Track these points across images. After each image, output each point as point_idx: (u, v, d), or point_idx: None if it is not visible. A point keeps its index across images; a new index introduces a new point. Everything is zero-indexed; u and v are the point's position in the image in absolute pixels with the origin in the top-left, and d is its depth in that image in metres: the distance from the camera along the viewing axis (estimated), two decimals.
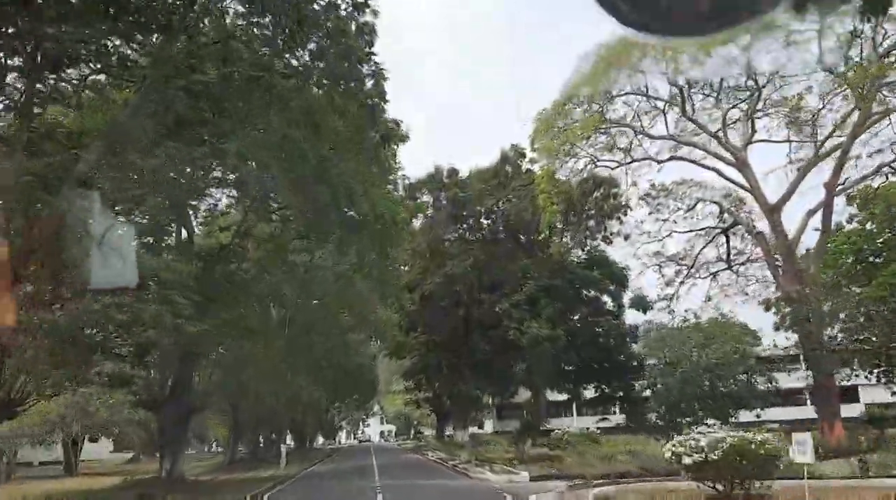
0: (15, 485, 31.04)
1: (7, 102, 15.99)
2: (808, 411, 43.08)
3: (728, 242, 37.04)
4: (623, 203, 36.57)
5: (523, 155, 36.09)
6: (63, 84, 17.17)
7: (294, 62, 16.92)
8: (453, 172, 35.24)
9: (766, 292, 38.34)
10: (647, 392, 31.23)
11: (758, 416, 28.59)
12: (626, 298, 35.84)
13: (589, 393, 41.26)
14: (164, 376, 25.53)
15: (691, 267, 38.90)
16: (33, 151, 12.45)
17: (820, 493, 12.89)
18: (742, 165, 31.16)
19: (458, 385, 39.57)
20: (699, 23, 1.76)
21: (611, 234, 37.03)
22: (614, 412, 47.91)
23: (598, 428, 28.86)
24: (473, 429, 64.76)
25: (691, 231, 36.88)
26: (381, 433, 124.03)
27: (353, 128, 18.95)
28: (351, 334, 38.17)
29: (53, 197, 11.99)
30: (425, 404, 63.18)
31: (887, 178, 29.34)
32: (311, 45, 17.10)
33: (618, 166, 32.67)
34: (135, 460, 51.09)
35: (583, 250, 36.70)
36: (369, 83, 17.52)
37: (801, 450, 11.89)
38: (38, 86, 14.60)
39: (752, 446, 12.26)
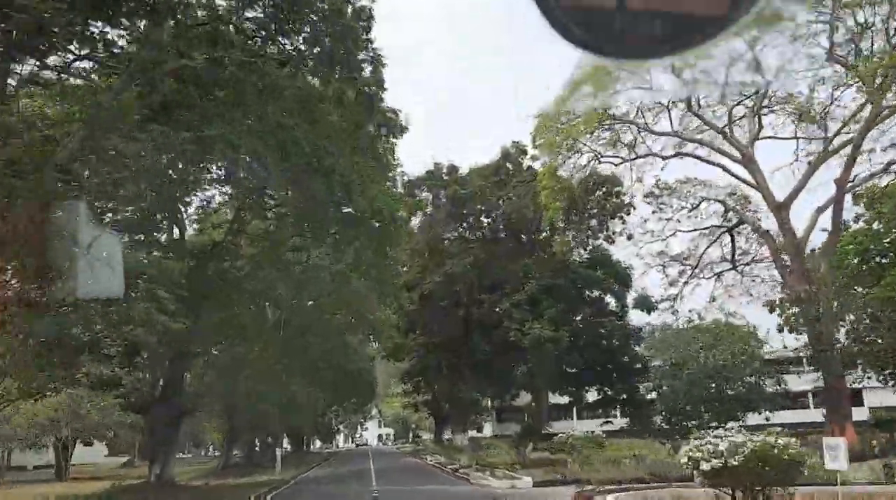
0: (2, 490, 30.22)
1: None
2: (812, 415, 42.35)
3: (733, 241, 36.27)
4: (626, 202, 35.83)
5: (524, 152, 35.32)
6: (46, 71, 16.42)
7: (288, 47, 16.17)
8: (453, 169, 34.44)
9: (772, 292, 37.71)
10: (652, 395, 30.43)
11: (767, 419, 27.78)
12: (630, 298, 35.10)
13: (591, 396, 40.48)
14: (153, 377, 24.74)
15: (695, 267, 38.16)
16: (6, 138, 11.64)
17: None
18: (749, 162, 30.41)
19: (457, 388, 38.77)
20: (653, 45, 1.72)
21: (613, 233, 36.29)
22: (615, 416, 47.12)
23: (603, 432, 27.98)
24: (472, 433, 63.93)
25: (696, 230, 36.13)
26: (379, 436, 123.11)
27: (350, 118, 18.20)
28: (348, 334, 37.38)
29: (27, 184, 11.16)
30: (423, 408, 62.33)
31: None
32: (306, 30, 16.37)
33: (622, 163, 31.92)
34: (130, 464, 50.20)
35: (585, 250, 35.93)
36: (367, 70, 16.77)
37: (834, 456, 11.11)
38: (14, 69, 13.80)
39: (775, 451, 11.46)
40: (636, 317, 36.90)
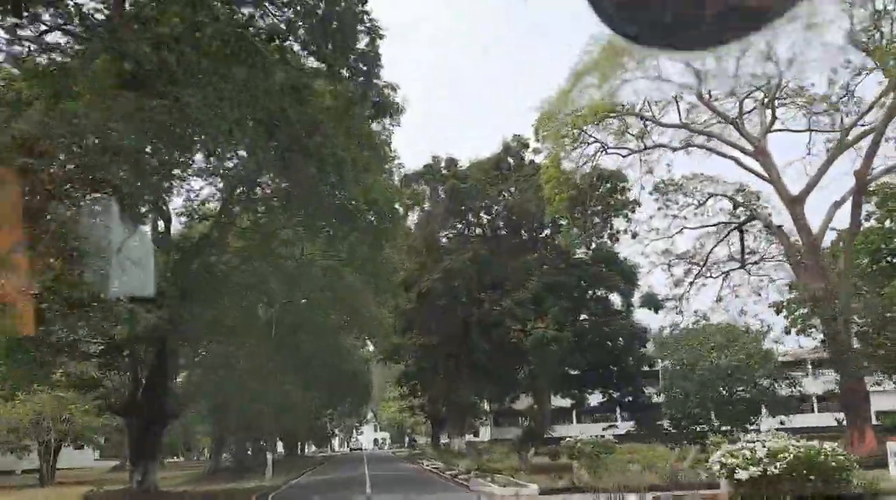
0: None
1: None
2: (824, 419, 41.12)
3: (742, 238, 35.04)
4: (631, 199, 34.57)
5: (526, 146, 34.05)
6: (17, 47, 15.09)
7: (277, 17, 14.88)
8: (452, 162, 33.10)
9: (779, 293, 36.57)
10: (660, 397, 29.13)
11: (782, 423, 26.55)
12: (636, 297, 33.77)
13: (593, 399, 39.15)
14: (135, 378, 23.30)
15: (702, 266, 36.93)
16: None
17: None
18: (762, 154, 29.18)
19: (455, 390, 37.42)
20: (699, 35, 1.69)
21: (617, 232, 35.01)
22: (617, 419, 45.83)
23: (613, 436, 26.75)
24: (469, 437, 62.65)
25: (703, 227, 34.89)
26: (375, 440, 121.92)
27: (344, 96, 16.92)
28: (343, 334, 36.04)
29: None
30: (420, 411, 60.96)
31: None
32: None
33: (629, 154, 30.64)
34: (120, 468, 48.76)
35: (588, 248, 34.63)
36: (363, 42, 15.49)
37: None
38: None
39: (822, 457, 10.18)
40: (641, 317, 35.70)
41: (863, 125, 28.87)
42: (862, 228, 29.37)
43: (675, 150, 30.73)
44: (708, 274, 37.65)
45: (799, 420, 35.82)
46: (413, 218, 35.12)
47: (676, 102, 31.43)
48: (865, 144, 28.24)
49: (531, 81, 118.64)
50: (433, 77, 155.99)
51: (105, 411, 26.15)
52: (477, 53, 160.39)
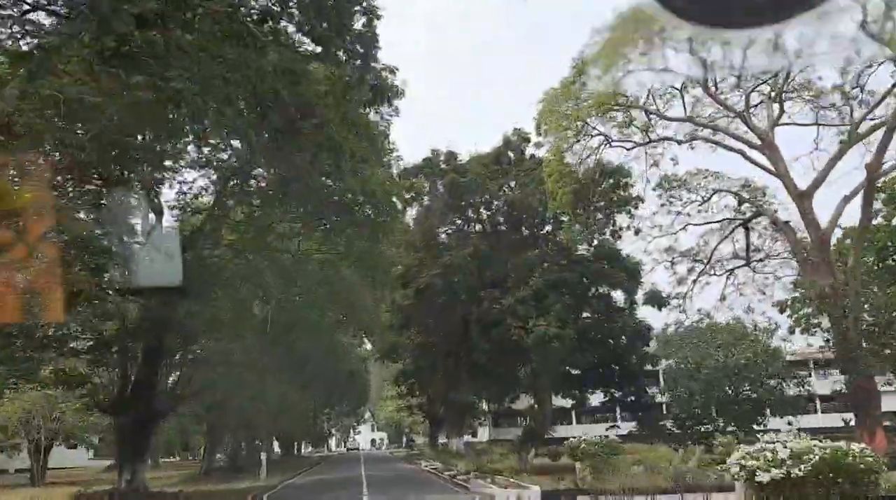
0: None
1: None
2: (829, 419, 40.43)
3: (748, 235, 34.33)
4: (634, 195, 33.89)
5: (527, 140, 33.30)
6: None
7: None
8: (451, 156, 32.36)
9: (784, 292, 35.96)
10: (664, 397, 28.43)
11: (789, 423, 25.88)
12: (639, 295, 33.00)
13: (595, 398, 38.42)
14: (124, 375, 22.55)
15: (706, 264, 36.24)
16: None
17: None
18: (768, 148, 28.48)
19: (454, 389, 36.70)
20: (757, 14, 1.65)
21: (620, 228, 34.31)
22: (618, 419, 45.16)
23: (618, 436, 25.95)
24: (467, 437, 61.97)
25: (708, 223, 34.19)
26: (373, 440, 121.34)
27: (341, 82, 16.20)
28: (339, 331, 35.34)
29: None
30: (418, 411, 60.26)
31: None
32: None
33: (634, 147, 29.92)
34: (114, 467, 47.99)
35: (590, 245, 33.91)
36: (359, 23, 14.78)
37: None
38: None
39: (849, 458, 9.48)
40: (643, 316, 34.93)
41: (872, 119, 28.24)
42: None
43: (680, 143, 30.02)
44: (712, 272, 36.93)
45: (803, 421, 35.19)
46: (412, 213, 34.42)
47: (682, 95, 30.78)
48: (875, 138, 27.63)
49: (530, 78, 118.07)
50: (431, 74, 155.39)
51: (92, 409, 25.36)
52: (476, 49, 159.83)
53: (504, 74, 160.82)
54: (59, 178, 17.40)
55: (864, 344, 25.96)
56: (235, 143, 23.68)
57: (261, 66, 13.23)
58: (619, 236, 34.09)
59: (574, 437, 21.98)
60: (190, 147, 24.01)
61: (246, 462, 40.29)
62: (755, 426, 27.15)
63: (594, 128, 28.55)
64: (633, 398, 32.68)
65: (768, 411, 27.46)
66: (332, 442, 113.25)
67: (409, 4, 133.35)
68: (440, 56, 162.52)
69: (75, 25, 12.03)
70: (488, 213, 34.19)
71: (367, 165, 21.47)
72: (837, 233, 30.13)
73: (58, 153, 15.94)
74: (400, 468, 39.46)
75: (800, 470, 9.44)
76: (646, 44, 28.49)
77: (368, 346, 53.92)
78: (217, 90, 12.34)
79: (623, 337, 30.72)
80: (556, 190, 27.60)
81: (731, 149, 29.41)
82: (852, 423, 35.20)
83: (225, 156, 24.10)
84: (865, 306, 25.45)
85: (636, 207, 33.80)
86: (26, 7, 14.22)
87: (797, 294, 35.65)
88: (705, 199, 34.73)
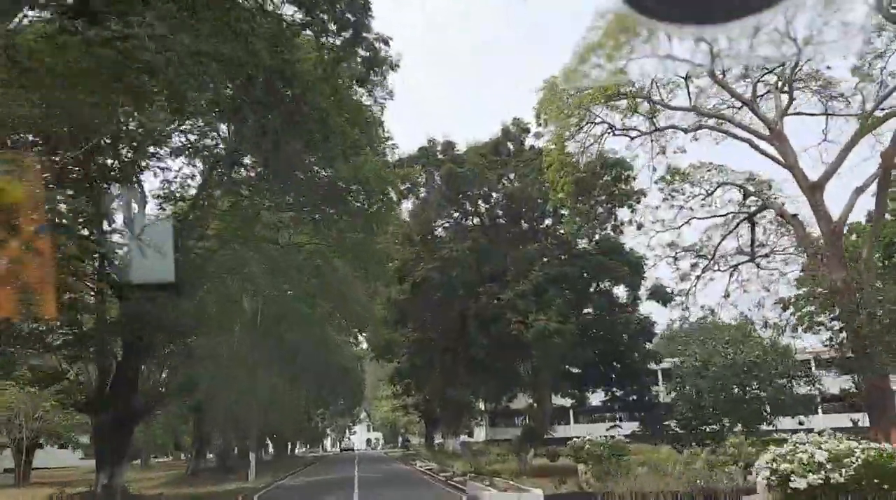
0: None
1: None
2: (835, 419, 39.42)
3: (753, 229, 33.32)
4: (636, 189, 32.82)
5: (527, 130, 32.20)
6: None
7: None
8: (448, 145, 31.22)
9: (792, 287, 35.00)
10: (667, 396, 27.34)
11: (800, 423, 24.84)
12: (642, 290, 31.94)
13: (594, 398, 37.33)
14: (103, 371, 21.37)
15: (710, 259, 35.23)
16: None
17: None
18: (777, 138, 27.42)
19: (451, 387, 35.60)
20: (722, 6, 1.66)
21: (621, 223, 33.24)
22: (619, 419, 44.14)
23: (625, 437, 25.01)
24: (463, 437, 60.94)
25: (712, 217, 33.15)
26: (368, 440, 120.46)
27: (331, 55, 15.13)
28: (332, 327, 34.28)
29: None
30: (414, 410, 59.21)
31: None
32: None
33: (638, 135, 28.84)
34: None
35: (590, 241, 32.83)
36: None
37: None
38: None
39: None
40: (647, 312, 33.90)
41: (882, 110, 27.28)
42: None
43: (686, 132, 28.94)
44: (716, 268, 36.01)
45: (813, 421, 34.17)
46: (408, 205, 33.32)
47: (687, 85, 29.74)
48: (887, 128, 26.63)
49: (530, 78, 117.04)
50: (431, 73, 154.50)
51: (68, 407, 24.22)
52: (476, 49, 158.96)
53: (504, 75, 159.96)
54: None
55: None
56: (221, 127, 22.70)
57: (241, 33, 12.14)
58: (621, 231, 33.07)
59: (577, 437, 20.89)
60: (175, 135, 23.06)
61: (237, 463, 39.16)
62: (763, 427, 26.11)
63: (597, 116, 27.46)
64: (634, 397, 31.61)
65: (770, 410, 26.35)
66: (328, 442, 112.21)
67: (409, 4, 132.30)
68: (440, 56, 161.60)
69: None
70: (486, 206, 33.08)
71: (360, 149, 20.40)
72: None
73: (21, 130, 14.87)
74: (394, 468, 38.45)
75: (840, 475, 8.36)
76: (649, 30, 27.47)
77: (364, 344, 52.90)
78: (191, 55, 11.23)
79: (625, 334, 29.64)
80: (557, 180, 26.50)
81: (738, 138, 28.36)
82: (860, 423, 34.27)
83: (210, 141, 23.07)
84: (879, 300, 24.38)
85: (638, 202, 32.79)
86: None
87: (800, 292, 34.69)
88: (709, 192, 33.71)
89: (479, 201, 32.59)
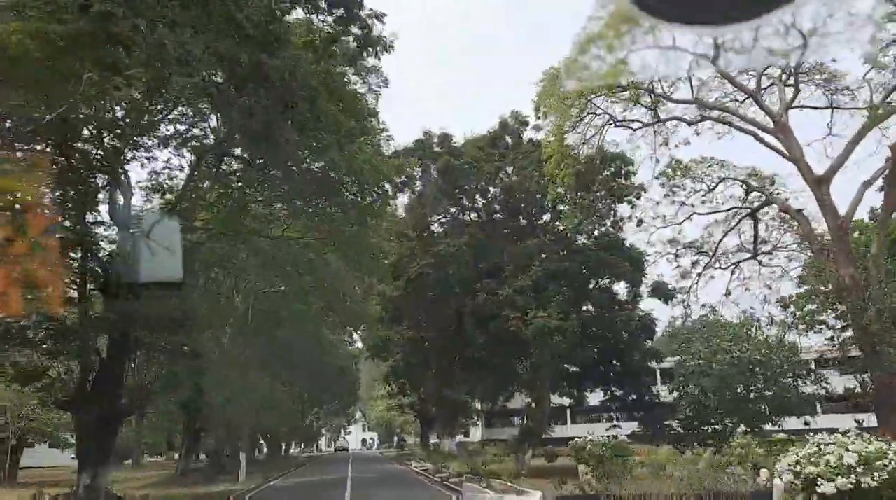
0: None
1: None
2: (836, 420, 38.75)
3: (756, 225, 32.65)
4: (636, 184, 32.11)
5: (525, 123, 31.48)
6: None
7: None
8: (445, 137, 30.45)
9: (793, 286, 34.43)
10: (672, 395, 26.62)
11: (806, 423, 24.16)
12: (643, 287, 31.25)
13: (594, 396, 36.59)
14: (86, 368, 20.56)
15: (711, 256, 34.56)
16: None
17: None
18: (782, 131, 26.74)
19: (447, 386, 34.88)
20: (733, 9, 1.64)
21: (621, 219, 32.52)
22: (614, 418, 43.46)
23: (627, 437, 24.30)
24: (459, 437, 60.26)
25: (714, 212, 32.47)
26: (363, 440, 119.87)
27: (322, 35, 14.41)
28: (325, 324, 33.51)
29: None
30: (409, 410, 58.47)
31: None
32: None
33: (641, 127, 28.12)
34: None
35: (590, 237, 32.12)
36: None
37: None
38: None
39: None
40: (648, 309, 33.20)
41: (889, 103, 26.65)
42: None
43: (690, 124, 28.25)
44: (716, 265, 35.38)
45: (817, 422, 33.54)
46: (403, 200, 32.56)
47: (690, 78, 29.06)
48: (893, 121, 26.00)
49: (529, 78, 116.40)
50: (431, 73, 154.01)
51: (49, 405, 23.42)
52: (475, 49, 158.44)
53: (503, 75, 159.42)
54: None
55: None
56: (211, 118, 21.96)
57: (226, 6, 11.39)
58: (621, 228, 32.38)
59: (576, 437, 20.17)
60: (163, 125, 22.33)
61: (229, 463, 38.42)
62: (767, 427, 25.47)
63: (598, 107, 26.76)
64: (634, 397, 30.89)
65: (775, 409, 25.68)
66: (323, 442, 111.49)
67: (409, 4, 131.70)
68: (439, 56, 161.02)
69: None
70: (484, 201, 32.34)
71: (354, 138, 19.66)
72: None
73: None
74: (389, 468, 37.75)
75: (873, 479, 7.65)
76: (651, 25, 26.79)
77: (359, 344, 52.15)
78: (173, 32, 10.48)
79: (625, 332, 28.92)
80: (557, 173, 25.78)
81: (742, 131, 27.67)
82: (865, 423, 33.62)
83: (198, 132, 22.35)
84: (889, 297, 23.72)
85: (638, 197, 32.11)
86: None
87: (802, 290, 34.06)
88: (710, 188, 33.07)
89: (477, 196, 31.86)
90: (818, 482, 8.01)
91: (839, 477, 7.85)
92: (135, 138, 21.88)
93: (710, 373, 22.66)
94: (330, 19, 13.67)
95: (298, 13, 14.48)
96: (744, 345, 23.06)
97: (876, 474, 7.73)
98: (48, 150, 19.16)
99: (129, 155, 22.39)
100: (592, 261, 28.73)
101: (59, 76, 10.69)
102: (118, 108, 20.54)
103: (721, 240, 34.24)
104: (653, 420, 29.22)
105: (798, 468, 8.43)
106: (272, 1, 13.23)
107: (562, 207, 31.10)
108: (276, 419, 45.73)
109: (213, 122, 22.14)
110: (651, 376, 32.26)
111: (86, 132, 20.03)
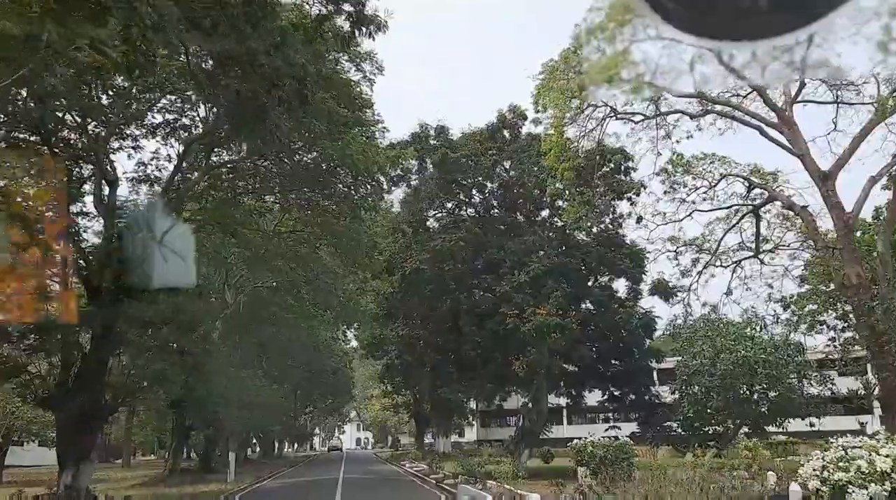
0: None
1: None
2: (837, 422, 38.28)
3: (758, 222, 32.03)
4: (636, 180, 31.46)
5: (524, 117, 30.78)
6: None
7: None
8: (442, 130, 29.73)
9: (795, 285, 33.86)
10: (673, 395, 26.01)
11: (811, 425, 23.54)
12: (644, 285, 30.62)
13: (592, 396, 35.95)
14: (67, 364, 19.81)
15: (712, 255, 33.95)
16: None
17: None
18: (787, 125, 26.12)
19: (445, 384, 34.19)
20: (761, 23, 1.52)
21: (621, 216, 31.87)
22: (616, 418, 42.89)
23: (629, 437, 23.51)
24: (454, 437, 59.61)
25: (716, 209, 31.84)
26: (358, 440, 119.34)
27: (314, 17, 13.72)
28: (318, 321, 32.76)
29: None
30: (404, 410, 57.80)
31: None
32: None
33: (643, 120, 27.44)
34: None
35: (589, 234, 31.45)
36: None
37: None
38: None
39: None
40: (648, 307, 32.58)
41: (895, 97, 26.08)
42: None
43: (693, 117, 27.56)
44: (717, 263, 34.81)
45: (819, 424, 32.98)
46: (398, 194, 31.85)
47: (692, 69, 28.41)
48: None
49: (526, 75, 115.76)
50: (431, 72, 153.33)
51: (26, 402, 22.67)
52: (474, 46, 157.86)
53: (503, 74, 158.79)
54: None
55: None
56: (200, 109, 21.27)
57: None
58: (621, 225, 31.75)
59: (575, 437, 19.49)
60: (150, 114, 21.64)
61: (220, 462, 37.68)
62: (771, 429, 24.87)
63: (598, 99, 26.07)
64: (633, 397, 30.24)
65: (780, 411, 25.08)
66: (316, 442, 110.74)
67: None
68: (438, 55, 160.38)
69: None
70: (481, 196, 31.67)
71: (346, 127, 18.97)
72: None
73: None
74: (383, 469, 37.08)
75: None
76: (653, 14, 26.15)
77: (354, 343, 51.47)
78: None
79: (624, 331, 28.27)
80: (556, 166, 25.10)
81: (747, 124, 27.02)
82: (868, 426, 33.08)
83: (187, 121, 21.66)
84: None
85: (638, 194, 31.46)
86: None
87: (803, 289, 33.49)
88: (712, 185, 32.45)
89: (474, 191, 31.18)
90: (848, 489, 7.36)
91: (872, 484, 7.20)
92: (121, 126, 21.19)
93: (713, 373, 22.01)
94: None
95: None
96: (748, 344, 22.41)
97: None
98: (30, 138, 18.47)
99: (115, 144, 21.72)
100: (592, 258, 28.07)
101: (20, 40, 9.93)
102: (104, 96, 19.82)
103: (722, 238, 33.64)
104: (654, 421, 28.59)
105: (825, 473, 7.78)
106: None
107: (560, 203, 30.45)
108: (268, 417, 44.99)
109: (202, 111, 21.50)
110: (650, 375, 31.64)
111: (69, 119, 19.31)
